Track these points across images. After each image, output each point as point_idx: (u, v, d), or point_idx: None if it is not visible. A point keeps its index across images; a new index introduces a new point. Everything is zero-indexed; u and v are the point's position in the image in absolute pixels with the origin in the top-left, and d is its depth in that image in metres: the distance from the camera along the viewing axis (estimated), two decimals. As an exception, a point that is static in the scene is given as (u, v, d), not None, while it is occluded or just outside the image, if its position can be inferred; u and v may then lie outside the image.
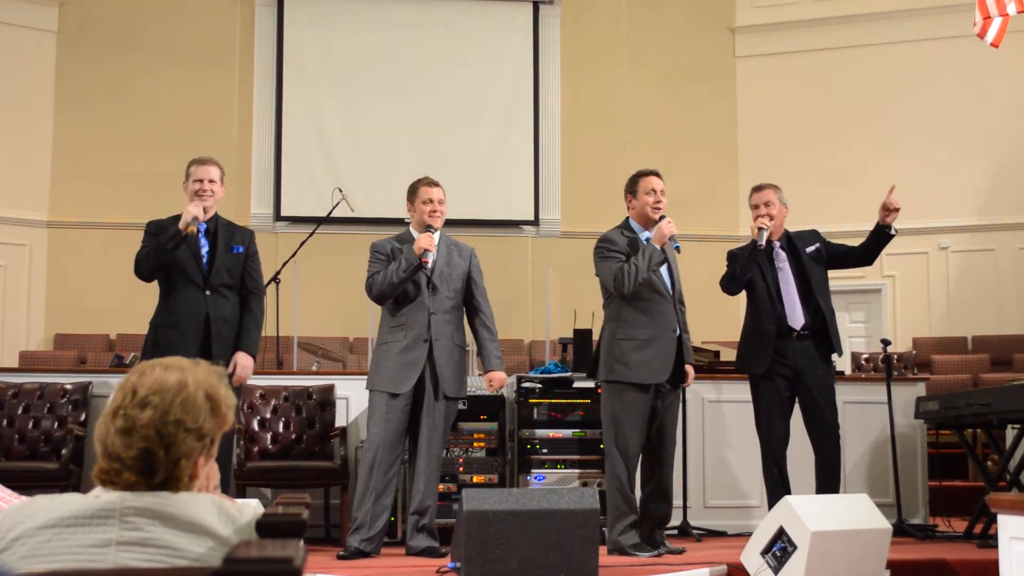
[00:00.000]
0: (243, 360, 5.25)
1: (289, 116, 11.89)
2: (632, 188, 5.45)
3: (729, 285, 5.61)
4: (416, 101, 11.97)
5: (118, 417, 1.86)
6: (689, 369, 5.43)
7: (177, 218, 5.24)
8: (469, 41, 12.18)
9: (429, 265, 5.19)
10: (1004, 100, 11.65)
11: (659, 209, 5.32)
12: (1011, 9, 7.25)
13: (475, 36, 12.22)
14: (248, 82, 11.94)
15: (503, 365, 5.48)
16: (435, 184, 5.38)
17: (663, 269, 5.30)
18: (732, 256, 5.68)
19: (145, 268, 5.24)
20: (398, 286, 5.20)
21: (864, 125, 12.02)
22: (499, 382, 5.37)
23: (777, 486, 5.44)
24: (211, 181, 5.31)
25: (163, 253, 5.17)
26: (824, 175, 11.88)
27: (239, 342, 5.29)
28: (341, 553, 5.10)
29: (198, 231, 5.27)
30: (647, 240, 5.30)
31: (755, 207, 5.64)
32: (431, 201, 5.31)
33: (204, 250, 5.29)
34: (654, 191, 5.37)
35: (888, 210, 5.67)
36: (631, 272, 5.14)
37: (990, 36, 7.43)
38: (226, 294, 5.29)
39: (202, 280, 5.23)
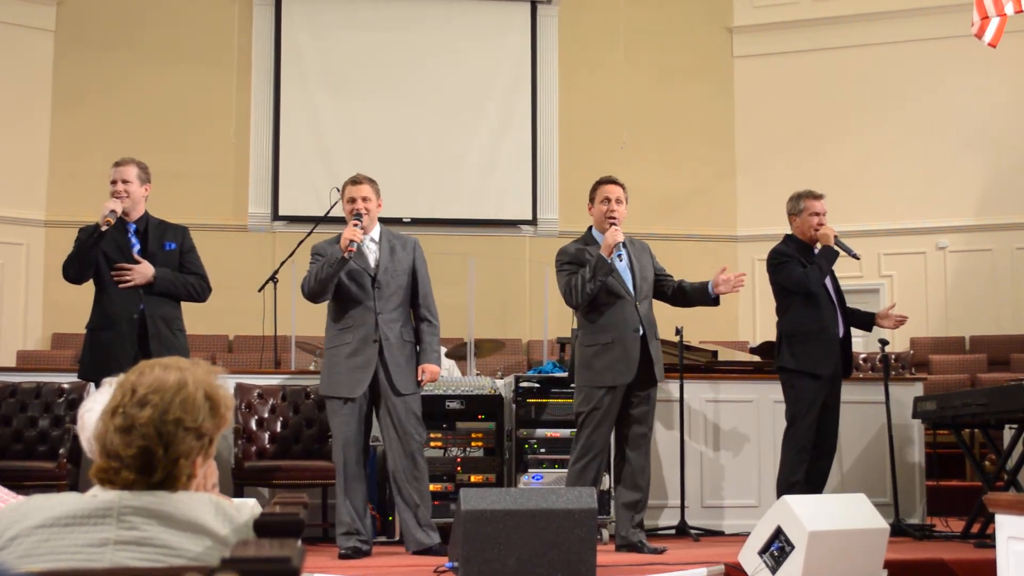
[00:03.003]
0: (144, 268, 5.21)
1: (287, 115, 11.86)
2: (591, 196, 5.51)
3: (810, 286, 5.61)
4: (414, 100, 11.95)
5: (117, 415, 1.86)
6: (725, 270, 5.36)
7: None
8: (467, 40, 12.17)
9: (352, 254, 5.10)
10: (1002, 100, 11.65)
11: (612, 218, 5.34)
12: (1009, 9, 7.26)
13: (473, 35, 12.20)
14: (246, 81, 11.92)
15: (440, 359, 5.44)
16: (358, 181, 5.35)
17: (624, 269, 5.33)
18: (787, 255, 5.71)
19: (71, 271, 5.25)
20: (326, 282, 5.14)
21: (861, 125, 12.01)
22: (431, 375, 5.31)
23: (802, 486, 5.45)
24: (125, 181, 5.28)
25: (84, 252, 5.18)
26: (821, 175, 11.83)
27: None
28: (342, 552, 5.10)
29: (127, 231, 5.26)
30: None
31: (814, 215, 5.77)
32: (352, 200, 5.30)
33: (136, 249, 5.29)
34: (608, 199, 5.41)
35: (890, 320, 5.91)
36: (576, 285, 5.24)
37: (988, 36, 7.44)
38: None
39: None
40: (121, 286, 5.19)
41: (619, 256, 5.26)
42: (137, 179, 5.32)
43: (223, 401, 1.93)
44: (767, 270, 5.88)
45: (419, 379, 5.29)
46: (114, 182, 5.30)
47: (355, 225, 5.15)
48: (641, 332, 5.28)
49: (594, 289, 5.21)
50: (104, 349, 5.13)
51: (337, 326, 5.26)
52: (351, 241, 5.08)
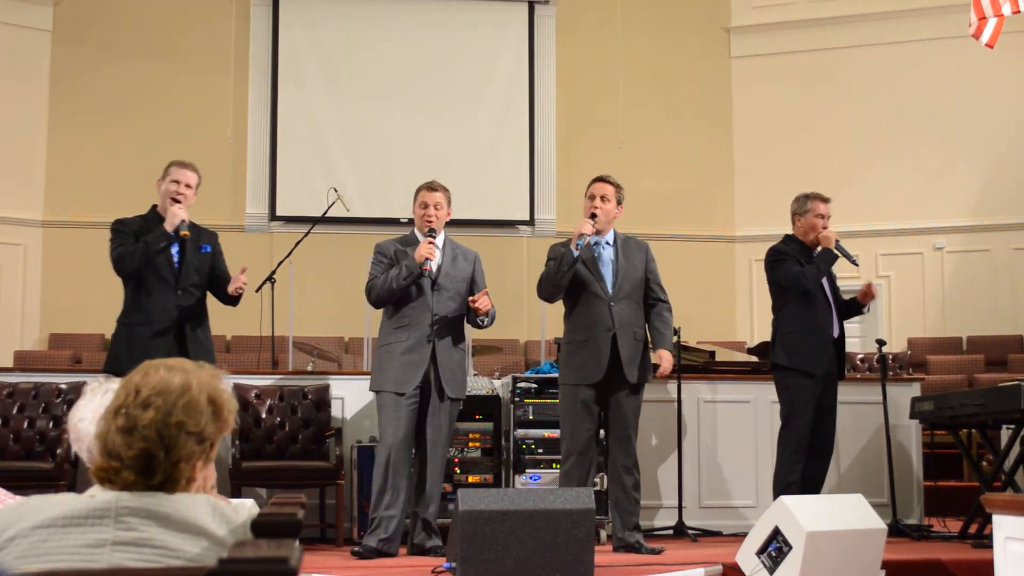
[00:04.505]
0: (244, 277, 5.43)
1: (284, 116, 11.85)
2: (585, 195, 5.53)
3: (806, 285, 5.65)
4: (412, 101, 11.94)
5: (119, 416, 1.86)
6: (662, 357, 5.33)
7: (143, 217, 5.35)
8: (465, 41, 12.16)
9: (430, 272, 5.21)
10: (999, 100, 11.65)
11: (593, 214, 5.36)
12: (1006, 10, 7.27)
13: (471, 36, 12.20)
14: (243, 82, 11.91)
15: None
16: (434, 188, 5.37)
17: (606, 268, 5.34)
18: (785, 254, 5.75)
19: (131, 266, 5.25)
20: (397, 292, 5.21)
21: (859, 126, 12.02)
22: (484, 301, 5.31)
23: (798, 486, 5.47)
24: (188, 185, 5.34)
25: (152, 255, 5.21)
26: (819, 176, 11.82)
27: None
28: (356, 550, 5.10)
29: (175, 232, 5.30)
30: (595, 244, 5.38)
31: (819, 216, 5.81)
32: (425, 205, 5.33)
33: (175, 250, 5.33)
34: (593, 196, 5.45)
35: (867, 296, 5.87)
36: (545, 276, 5.34)
37: (985, 37, 7.45)
38: (194, 293, 5.38)
39: (174, 280, 5.30)
40: (233, 292, 5.35)
41: (594, 246, 5.31)
42: (196, 187, 5.41)
43: (226, 405, 1.93)
44: (764, 267, 5.90)
45: (474, 302, 5.25)
46: (177, 182, 5.32)
47: (429, 243, 5.19)
48: (612, 332, 5.27)
49: (560, 281, 5.24)
50: (143, 345, 5.12)
51: (392, 324, 5.30)
52: (426, 259, 5.13)
